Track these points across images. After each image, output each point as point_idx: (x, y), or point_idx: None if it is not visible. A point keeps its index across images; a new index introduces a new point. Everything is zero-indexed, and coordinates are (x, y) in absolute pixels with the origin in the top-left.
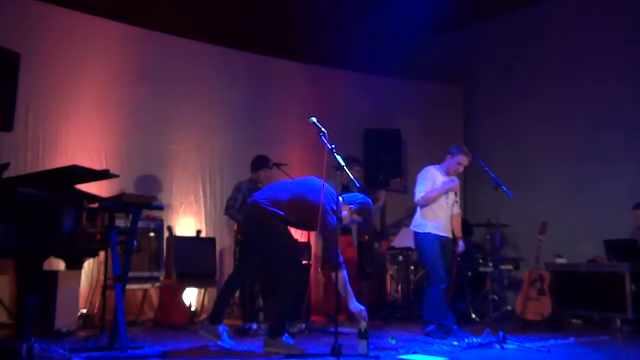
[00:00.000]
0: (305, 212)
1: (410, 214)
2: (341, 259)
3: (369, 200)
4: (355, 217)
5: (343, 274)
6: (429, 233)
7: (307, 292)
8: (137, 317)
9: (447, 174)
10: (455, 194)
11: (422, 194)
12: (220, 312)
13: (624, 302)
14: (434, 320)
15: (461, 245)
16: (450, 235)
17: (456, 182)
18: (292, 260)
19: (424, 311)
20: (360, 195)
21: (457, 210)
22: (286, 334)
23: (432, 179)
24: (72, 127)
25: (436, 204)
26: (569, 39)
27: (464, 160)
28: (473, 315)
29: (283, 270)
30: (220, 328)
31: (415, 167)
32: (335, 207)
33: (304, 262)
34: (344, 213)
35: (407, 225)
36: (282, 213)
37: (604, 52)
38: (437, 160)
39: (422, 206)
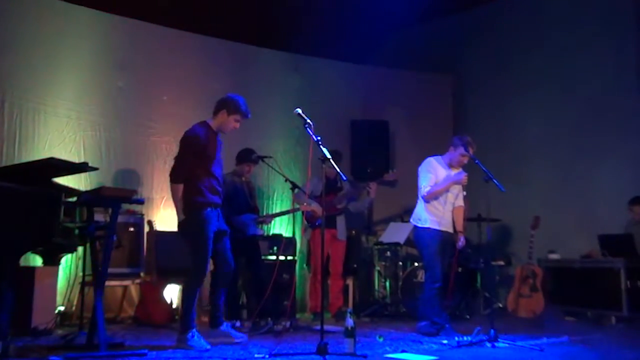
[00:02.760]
0: (188, 160)
1: (401, 208)
2: (180, 174)
3: (236, 96)
4: (234, 117)
5: (179, 188)
6: (428, 228)
7: (196, 292)
8: (116, 315)
9: (450, 166)
10: (463, 187)
11: (428, 188)
12: (217, 315)
13: (619, 299)
14: (427, 316)
15: (462, 241)
16: (451, 230)
17: (463, 175)
18: (195, 256)
19: (419, 307)
20: (221, 98)
21: (460, 202)
22: (194, 330)
23: (434, 172)
24: (49, 118)
25: (438, 198)
26: (563, 29)
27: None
28: (463, 313)
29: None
30: (223, 327)
31: (404, 160)
32: (194, 131)
33: (288, 257)
34: (220, 120)
35: (396, 220)
36: (194, 198)
37: (597, 42)
38: (425, 151)
39: (426, 201)
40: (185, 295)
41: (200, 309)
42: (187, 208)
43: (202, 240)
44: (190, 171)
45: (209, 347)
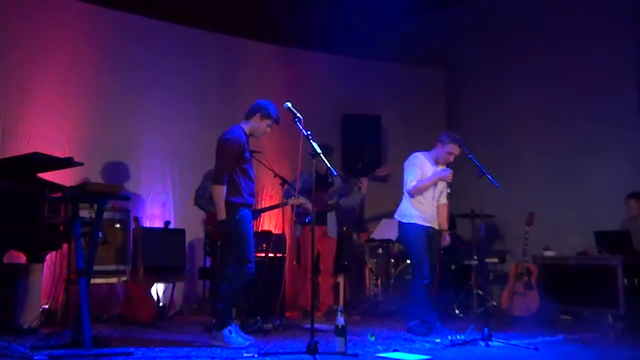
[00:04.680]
0: (230, 163)
1: (392, 204)
2: (225, 177)
3: (267, 102)
4: (266, 122)
5: (223, 189)
6: (414, 224)
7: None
8: (102, 313)
9: (437, 162)
10: (447, 184)
11: (414, 183)
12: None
13: (615, 297)
14: (416, 315)
15: (447, 239)
16: (436, 226)
17: (448, 172)
18: (236, 257)
19: (407, 306)
20: (255, 103)
21: (444, 200)
22: (235, 327)
23: (421, 167)
24: (33, 112)
25: (423, 194)
26: (558, 22)
27: (455, 149)
28: (457, 311)
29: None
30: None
31: (396, 155)
32: (235, 134)
33: (278, 255)
34: (253, 124)
35: (388, 216)
36: (231, 198)
37: (593, 35)
38: (418, 147)
39: (411, 195)
40: (226, 294)
41: (188, 307)
42: (225, 208)
43: (242, 239)
44: (230, 173)
45: (247, 343)
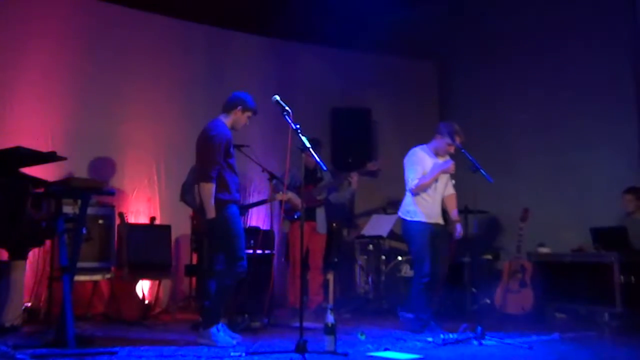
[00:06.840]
0: (219, 159)
1: (383, 199)
2: (214, 173)
3: (244, 93)
4: (247, 114)
5: (212, 186)
6: (419, 221)
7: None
8: (86, 311)
9: (436, 155)
10: (451, 176)
11: (416, 181)
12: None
13: (612, 295)
14: (412, 312)
15: (459, 230)
16: (440, 221)
17: (451, 163)
18: (228, 255)
19: (404, 301)
20: (233, 95)
21: (451, 190)
22: (222, 326)
23: (421, 163)
24: (15, 105)
25: (427, 190)
26: (552, 12)
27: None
28: (449, 309)
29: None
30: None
31: (387, 149)
32: (220, 130)
33: (266, 251)
34: (234, 118)
35: (378, 212)
36: (219, 195)
37: (589, 26)
38: (409, 141)
39: (415, 194)
40: (216, 292)
41: (174, 305)
42: (215, 206)
43: (233, 236)
44: (219, 170)
45: (234, 342)
